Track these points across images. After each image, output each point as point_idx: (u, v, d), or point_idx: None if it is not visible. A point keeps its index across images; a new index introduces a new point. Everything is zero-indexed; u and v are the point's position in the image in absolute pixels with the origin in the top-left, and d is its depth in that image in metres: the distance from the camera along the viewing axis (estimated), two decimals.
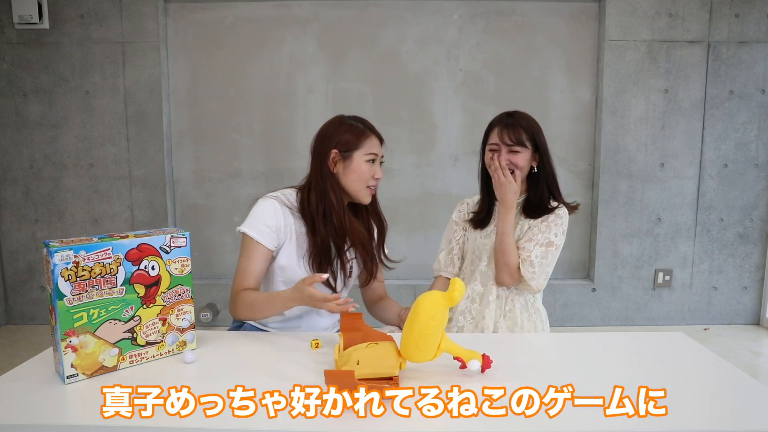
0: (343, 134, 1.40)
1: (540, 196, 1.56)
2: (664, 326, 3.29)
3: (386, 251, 1.56)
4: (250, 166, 3.27)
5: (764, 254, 3.25)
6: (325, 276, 1.20)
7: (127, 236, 1.09)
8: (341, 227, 1.39)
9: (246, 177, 3.27)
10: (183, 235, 1.16)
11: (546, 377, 1.07)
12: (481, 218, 1.64)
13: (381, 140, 1.45)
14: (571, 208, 1.58)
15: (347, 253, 1.46)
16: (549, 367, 1.14)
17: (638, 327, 3.30)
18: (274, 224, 1.38)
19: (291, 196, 1.44)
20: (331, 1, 3.14)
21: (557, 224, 1.52)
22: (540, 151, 1.55)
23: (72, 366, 1.03)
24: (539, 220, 1.53)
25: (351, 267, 1.50)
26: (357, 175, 1.40)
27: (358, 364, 0.99)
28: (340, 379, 0.92)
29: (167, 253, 1.14)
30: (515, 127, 1.52)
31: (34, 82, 3.14)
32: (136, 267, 1.09)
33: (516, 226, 1.55)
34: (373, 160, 1.41)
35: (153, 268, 1.12)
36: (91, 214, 3.25)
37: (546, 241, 1.50)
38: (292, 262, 1.41)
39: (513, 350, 1.23)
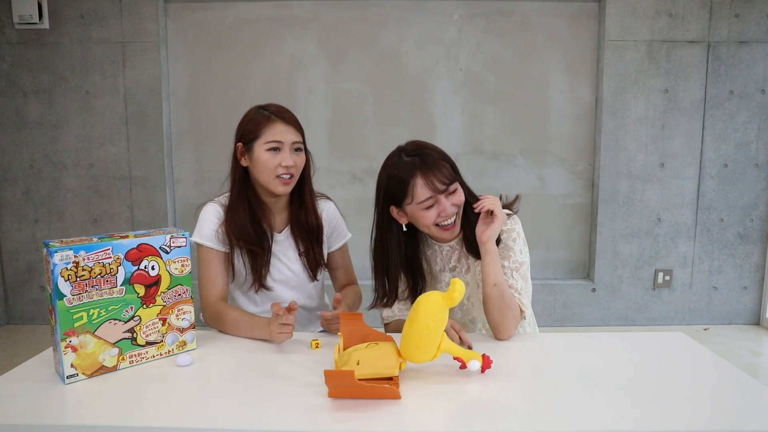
0: (244, 126, 1.35)
1: (473, 229, 1.29)
2: (664, 326, 3.29)
3: (334, 245, 1.51)
4: None
5: (764, 254, 3.24)
6: (295, 308, 1.18)
7: (127, 236, 1.09)
8: (232, 226, 1.36)
9: None
10: (183, 235, 1.16)
11: (546, 377, 1.07)
12: (413, 291, 1.37)
13: (294, 125, 1.34)
14: (513, 211, 1.35)
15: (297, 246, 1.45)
16: (549, 367, 1.14)
17: (638, 327, 3.30)
18: (218, 227, 1.38)
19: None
20: (331, 1, 3.14)
21: (514, 240, 1.30)
22: (461, 182, 1.29)
23: (72, 366, 1.03)
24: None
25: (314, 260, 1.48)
26: (261, 166, 1.32)
27: (358, 364, 0.99)
28: (340, 379, 0.92)
29: (167, 253, 1.14)
30: (437, 163, 1.22)
31: (34, 82, 3.13)
32: (136, 267, 1.09)
33: (470, 271, 1.37)
34: (276, 149, 1.31)
35: (153, 268, 1.12)
36: (91, 214, 3.25)
37: (517, 264, 1.29)
38: (243, 264, 1.41)
39: (513, 350, 1.23)
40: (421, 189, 1.21)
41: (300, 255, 1.46)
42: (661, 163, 3.18)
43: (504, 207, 1.34)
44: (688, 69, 3.11)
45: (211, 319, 1.36)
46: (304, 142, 1.39)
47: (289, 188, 1.36)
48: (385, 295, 1.36)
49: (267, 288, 1.43)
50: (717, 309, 3.30)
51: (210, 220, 1.39)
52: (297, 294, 1.49)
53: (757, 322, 3.29)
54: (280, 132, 1.32)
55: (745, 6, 3.06)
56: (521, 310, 1.28)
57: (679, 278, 3.27)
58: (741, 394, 1.00)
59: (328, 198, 1.55)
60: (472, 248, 1.30)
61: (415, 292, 1.37)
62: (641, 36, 3.09)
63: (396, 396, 0.95)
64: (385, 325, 1.46)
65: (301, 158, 1.37)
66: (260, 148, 1.32)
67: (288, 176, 1.34)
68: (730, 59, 3.10)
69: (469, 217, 1.30)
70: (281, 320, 1.16)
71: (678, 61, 3.10)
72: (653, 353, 1.20)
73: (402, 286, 1.38)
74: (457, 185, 1.25)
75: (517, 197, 1.39)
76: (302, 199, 1.44)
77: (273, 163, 1.32)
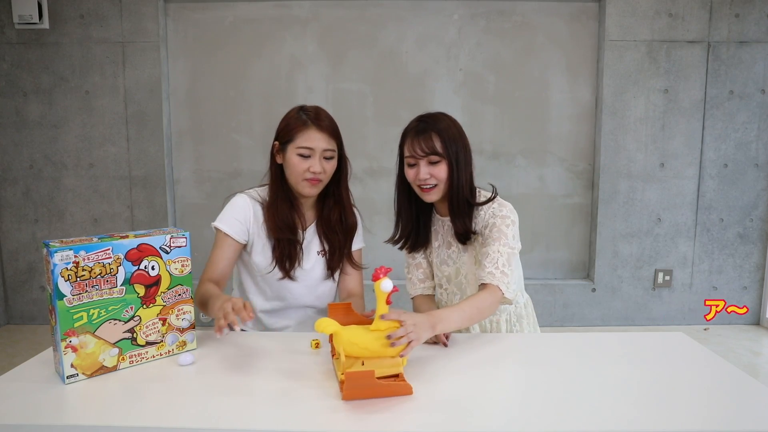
0: (283, 126, 1.38)
1: (463, 225, 1.36)
2: (664, 326, 3.29)
3: (353, 248, 1.51)
4: (250, 166, 3.27)
5: (764, 254, 3.24)
6: (250, 316, 1.10)
7: (127, 236, 1.09)
8: (276, 220, 1.39)
9: (246, 177, 3.27)
10: (183, 235, 1.16)
11: (545, 377, 1.07)
12: (412, 238, 1.48)
13: (329, 132, 1.35)
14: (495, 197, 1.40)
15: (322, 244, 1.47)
16: (548, 367, 1.14)
17: (638, 327, 3.30)
18: (243, 218, 1.40)
19: (264, 191, 1.45)
20: (331, 1, 3.14)
21: (508, 225, 1.33)
22: (452, 162, 1.32)
23: (72, 366, 1.03)
24: (487, 231, 1.35)
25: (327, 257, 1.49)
26: (290, 169, 1.36)
27: (363, 365, 0.99)
28: (361, 380, 0.93)
29: (167, 253, 1.14)
30: (426, 133, 1.32)
31: (34, 82, 3.14)
32: (136, 267, 1.09)
33: (467, 249, 1.41)
34: (307, 155, 1.34)
35: (153, 268, 1.12)
36: (91, 214, 3.25)
37: (508, 248, 1.30)
38: (268, 257, 1.42)
39: (513, 350, 1.23)
40: (407, 148, 1.36)
41: (318, 253, 1.48)
42: (661, 163, 3.18)
43: (488, 200, 1.39)
44: (688, 69, 3.11)
45: (195, 295, 1.32)
46: (340, 147, 1.40)
47: (315, 191, 1.39)
48: (396, 234, 1.50)
49: (293, 279, 1.44)
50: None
51: (238, 210, 1.41)
52: (308, 291, 1.49)
53: (757, 322, 3.29)
54: (312, 139, 1.33)
55: (745, 6, 3.06)
56: (500, 289, 1.26)
57: (679, 278, 3.27)
58: (741, 394, 1.00)
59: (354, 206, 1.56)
60: (457, 235, 1.39)
61: (420, 231, 1.48)
62: (641, 36, 3.09)
63: (409, 392, 0.95)
64: (412, 299, 1.57)
65: (331, 165, 1.38)
66: (292, 152, 1.35)
67: (314, 180, 1.36)
68: (730, 59, 3.10)
69: (453, 205, 1.36)
70: (228, 312, 1.08)
71: (678, 61, 3.10)
72: (653, 353, 1.20)
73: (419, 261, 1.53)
74: (440, 160, 1.32)
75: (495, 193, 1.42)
76: (338, 198, 1.46)
77: (301, 168, 1.34)
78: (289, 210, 1.42)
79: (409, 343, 0.99)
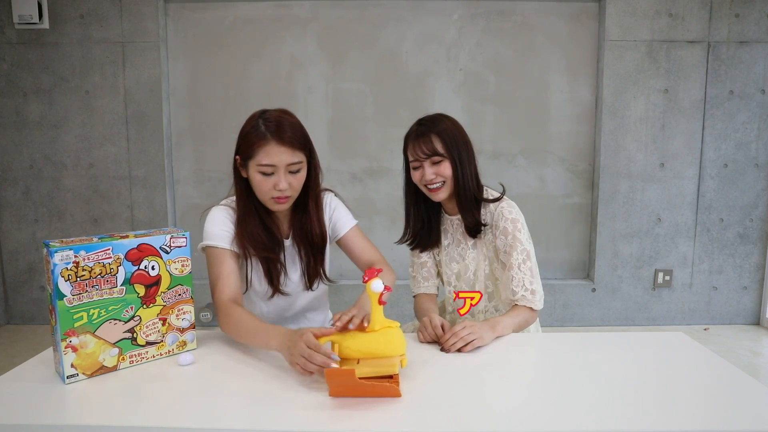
0: (242, 139, 1.25)
1: (472, 218, 1.41)
2: (664, 326, 3.29)
3: (345, 229, 1.45)
4: None
5: (764, 254, 3.24)
6: (333, 363, 0.99)
7: (127, 236, 1.09)
8: (250, 240, 1.30)
9: None
10: (183, 235, 1.16)
11: (546, 377, 1.07)
12: (424, 238, 1.51)
13: (292, 144, 1.22)
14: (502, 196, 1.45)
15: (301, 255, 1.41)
16: (549, 367, 1.14)
17: (638, 327, 3.30)
18: (231, 230, 1.31)
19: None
20: (331, 1, 3.14)
21: (520, 230, 1.39)
22: (455, 160, 1.37)
23: (72, 366, 1.03)
24: (499, 235, 1.40)
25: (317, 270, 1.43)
26: (255, 187, 1.27)
27: (358, 362, 0.99)
28: (341, 378, 0.92)
29: (167, 253, 1.14)
30: (426, 135, 1.37)
31: (34, 82, 3.13)
32: (136, 267, 1.09)
33: (476, 246, 1.46)
34: (270, 173, 1.23)
35: (153, 268, 1.12)
36: (91, 214, 3.25)
37: (524, 255, 1.37)
38: (259, 272, 1.36)
39: (513, 350, 1.23)
40: (410, 152, 1.42)
41: (302, 261, 1.43)
42: (661, 163, 3.18)
43: (501, 197, 1.45)
44: (688, 69, 3.11)
45: (222, 320, 1.24)
46: (309, 155, 1.30)
47: (284, 207, 1.30)
48: (406, 233, 1.55)
49: (284, 294, 1.39)
50: (717, 309, 3.30)
51: (220, 222, 1.31)
52: (301, 297, 1.46)
53: (757, 322, 3.29)
54: (273, 154, 1.21)
55: (745, 6, 3.06)
56: (533, 309, 1.38)
57: (679, 278, 3.27)
58: (741, 394, 1.00)
59: (329, 190, 1.50)
60: (467, 230, 1.44)
61: (431, 230, 1.51)
62: (641, 36, 3.09)
63: (396, 394, 0.95)
64: (414, 297, 1.57)
65: (297, 179, 1.28)
66: (254, 169, 1.24)
67: (281, 198, 1.27)
68: (730, 59, 3.10)
69: (461, 200, 1.41)
70: (314, 357, 0.98)
71: (678, 61, 3.10)
72: (653, 353, 1.20)
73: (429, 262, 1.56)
74: (441, 159, 1.37)
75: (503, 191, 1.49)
76: (306, 208, 1.38)
77: (266, 186, 1.25)
78: (263, 228, 1.33)
79: (472, 342, 1.16)
